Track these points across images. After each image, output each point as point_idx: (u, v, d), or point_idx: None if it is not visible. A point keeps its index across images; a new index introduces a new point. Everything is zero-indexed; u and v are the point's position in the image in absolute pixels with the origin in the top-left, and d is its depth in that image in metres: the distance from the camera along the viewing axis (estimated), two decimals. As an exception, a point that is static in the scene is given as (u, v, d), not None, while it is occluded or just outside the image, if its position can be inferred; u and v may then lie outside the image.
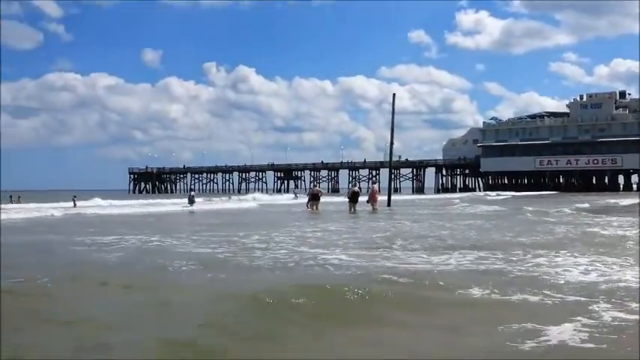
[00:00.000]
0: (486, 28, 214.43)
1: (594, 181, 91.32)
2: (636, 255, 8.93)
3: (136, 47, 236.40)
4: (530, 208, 25.84)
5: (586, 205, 29.89)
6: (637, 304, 5.43)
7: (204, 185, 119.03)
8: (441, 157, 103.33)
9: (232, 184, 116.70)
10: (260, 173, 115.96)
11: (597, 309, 5.30)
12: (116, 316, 5.44)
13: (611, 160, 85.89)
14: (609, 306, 5.42)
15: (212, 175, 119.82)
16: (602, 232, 13.49)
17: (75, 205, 35.94)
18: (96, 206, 36.00)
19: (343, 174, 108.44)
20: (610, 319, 4.97)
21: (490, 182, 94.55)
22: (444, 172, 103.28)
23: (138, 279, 7.41)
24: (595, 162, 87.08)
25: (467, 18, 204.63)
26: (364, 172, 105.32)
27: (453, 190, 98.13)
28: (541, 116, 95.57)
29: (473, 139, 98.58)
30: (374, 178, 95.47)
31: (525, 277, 7.08)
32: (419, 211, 27.82)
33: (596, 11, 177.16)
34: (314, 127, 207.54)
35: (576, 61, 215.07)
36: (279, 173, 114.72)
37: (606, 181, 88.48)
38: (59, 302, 6.08)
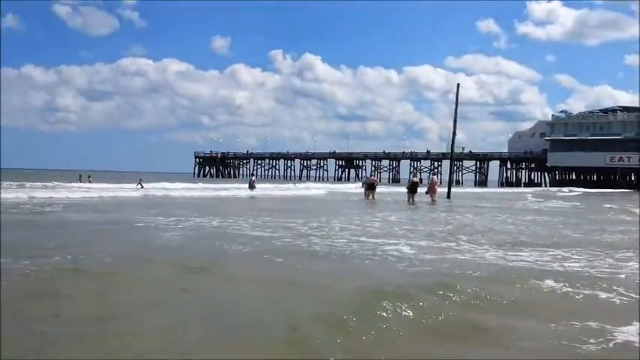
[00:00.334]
0: (559, 18, 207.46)
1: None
2: None
3: (206, 34, 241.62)
4: (610, 206, 25.04)
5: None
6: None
7: (266, 171, 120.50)
8: (506, 150, 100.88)
9: (294, 170, 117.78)
10: (321, 161, 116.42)
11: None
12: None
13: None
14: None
15: (274, 161, 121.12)
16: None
17: (142, 187, 37.10)
18: (173, 189, 35.53)
19: (405, 164, 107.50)
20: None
21: (557, 177, 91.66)
22: (508, 165, 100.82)
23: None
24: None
25: (539, 7, 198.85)
26: (426, 163, 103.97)
27: (518, 184, 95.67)
28: (614, 110, 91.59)
29: (540, 133, 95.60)
30: (435, 170, 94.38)
31: (607, 278, 6.89)
32: (480, 204, 27.38)
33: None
34: (377, 116, 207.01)
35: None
36: (340, 162, 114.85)
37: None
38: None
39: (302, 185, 54.03)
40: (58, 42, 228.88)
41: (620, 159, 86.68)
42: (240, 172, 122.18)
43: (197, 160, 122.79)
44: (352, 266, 7.51)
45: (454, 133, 35.72)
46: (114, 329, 4.36)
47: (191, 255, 8.08)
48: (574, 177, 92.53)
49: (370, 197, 27.94)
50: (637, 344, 4.30)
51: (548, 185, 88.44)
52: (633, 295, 5.91)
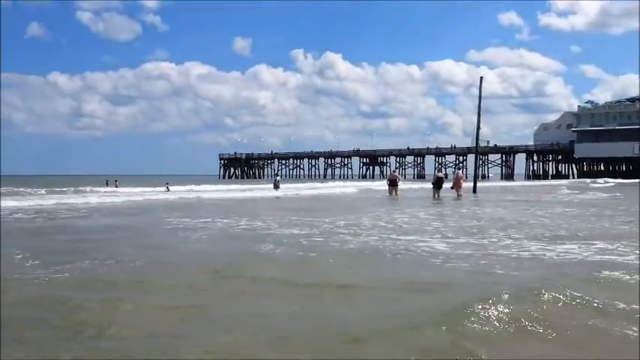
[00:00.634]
0: (582, 9, 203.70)
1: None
2: None
3: (227, 36, 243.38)
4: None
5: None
6: None
7: (291, 171, 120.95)
8: (532, 143, 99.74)
9: (318, 169, 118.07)
10: (345, 159, 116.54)
11: None
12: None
13: None
14: None
15: (298, 160, 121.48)
16: None
17: (168, 189, 37.47)
18: (201, 191, 35.80)
19: (429, 160, 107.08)
20: None
21: (585, 169, 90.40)
22: (535, 157, 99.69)
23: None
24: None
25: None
26: (451, 157, 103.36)
27: (545, 177, 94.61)
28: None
29: (567, 124, 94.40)
30: (460, 165, 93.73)
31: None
32: (508, 197, 27.18)
33: None
34: (400, 112, 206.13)
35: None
36: (364, 159, 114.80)
37: None
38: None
39: (330, 184, 53.90)
40: (82, 48, 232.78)
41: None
42: (265, 173, 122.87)
43: (222, 161, 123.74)
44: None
45: (478, 127, 35.47)
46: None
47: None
48: (602, 168, 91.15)
49: (393, 194, 28.09)
50: None
51: (575, 177, 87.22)
52: None
